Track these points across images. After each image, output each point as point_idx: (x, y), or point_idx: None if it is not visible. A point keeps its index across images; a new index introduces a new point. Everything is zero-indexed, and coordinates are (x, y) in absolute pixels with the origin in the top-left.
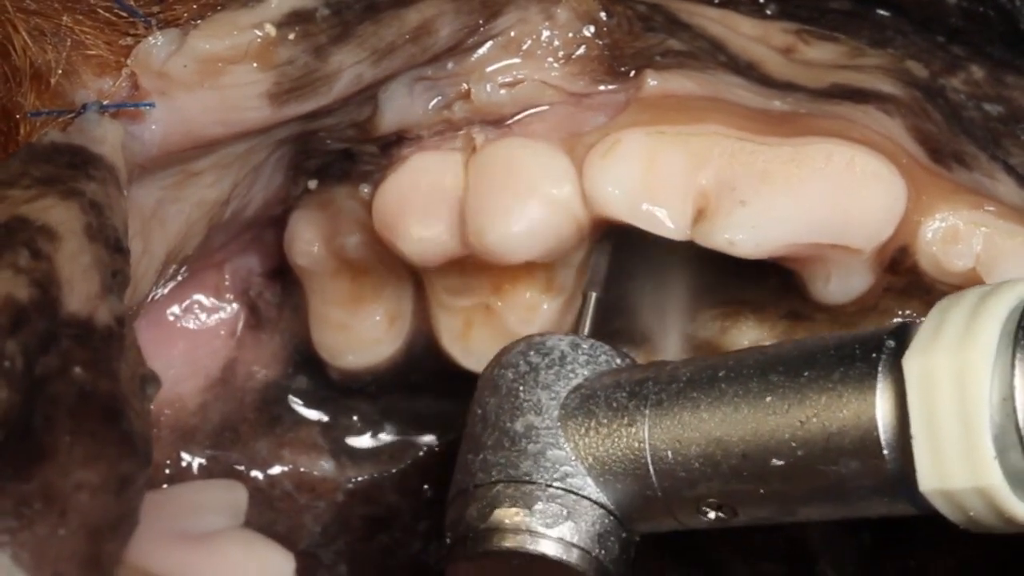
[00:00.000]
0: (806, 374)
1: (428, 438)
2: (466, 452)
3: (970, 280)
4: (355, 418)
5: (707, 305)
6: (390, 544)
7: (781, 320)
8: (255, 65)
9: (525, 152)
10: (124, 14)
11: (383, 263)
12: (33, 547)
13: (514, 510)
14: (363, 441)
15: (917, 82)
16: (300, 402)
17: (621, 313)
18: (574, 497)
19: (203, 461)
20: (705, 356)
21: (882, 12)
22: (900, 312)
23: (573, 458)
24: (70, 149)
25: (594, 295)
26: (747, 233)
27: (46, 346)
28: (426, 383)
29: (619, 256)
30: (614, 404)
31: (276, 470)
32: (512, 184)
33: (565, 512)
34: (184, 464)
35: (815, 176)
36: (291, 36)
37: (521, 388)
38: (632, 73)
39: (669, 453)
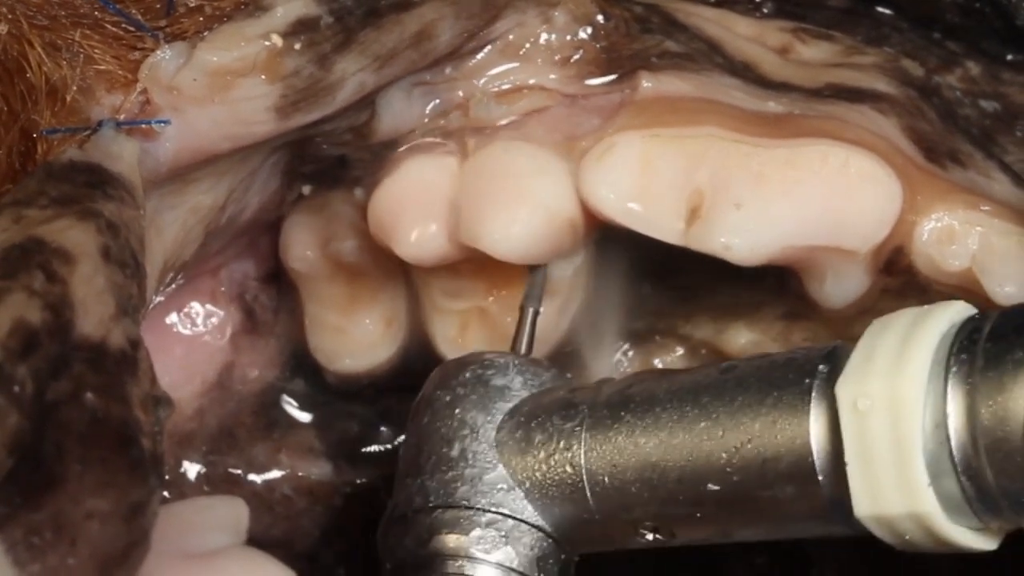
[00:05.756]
0: (740, 399)
1: None
2: (404, 476)
3: (966, 280)
4: (352, 421)
5: (703, 306)
6: None
7: (778, 320)
8: (263, 77)
9: (519, 155)
10: (131, 28)
11: (378, 267)
12: None
13: (452, 536)
14: (360, 444)
15: (912, 80)
16: (297, 406)
17: (616, 313)
18: (512, 521)
19: (201, 466)
20: (643, 377)
21: (880, 9)
22: None
23: (510, 481)
24: (88, 167)
25: (532, 311)
26: (743, 237)
27: (58, 371)
28: (422, 386)
29: (610, 257)
30: (550, 427)
31: (274, 474)
32: (506, 187)
33: (503, 537)
34: (182, 470)
35: (810, 178)
36: (297, 45)
37: (457, 410)
38: (628, 75)
39: (605, 477)
